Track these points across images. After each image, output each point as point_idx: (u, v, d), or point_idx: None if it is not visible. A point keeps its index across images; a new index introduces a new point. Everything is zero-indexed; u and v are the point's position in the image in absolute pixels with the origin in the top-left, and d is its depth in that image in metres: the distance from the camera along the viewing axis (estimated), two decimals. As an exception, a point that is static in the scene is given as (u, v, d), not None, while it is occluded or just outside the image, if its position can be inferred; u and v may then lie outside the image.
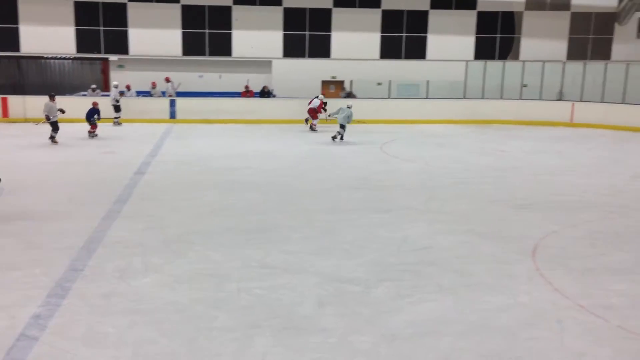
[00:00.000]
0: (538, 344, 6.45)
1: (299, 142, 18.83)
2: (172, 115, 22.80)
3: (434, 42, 26.69)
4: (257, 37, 25.78)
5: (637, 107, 21.86)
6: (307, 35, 26.18)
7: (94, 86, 23.70)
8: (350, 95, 24.73)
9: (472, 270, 8.46)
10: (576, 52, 27.42)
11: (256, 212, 11.20)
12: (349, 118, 18.91)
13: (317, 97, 21.77)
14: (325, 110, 21.37)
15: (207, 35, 25.84)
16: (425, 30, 26.63)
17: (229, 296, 7.42)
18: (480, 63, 25.38)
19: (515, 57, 27.11)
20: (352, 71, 25.53)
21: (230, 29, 25.67)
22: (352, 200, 12.17)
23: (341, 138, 19.11)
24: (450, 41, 26.71)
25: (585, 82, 23.65)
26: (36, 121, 20.32)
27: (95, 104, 19.82)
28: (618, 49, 27.45)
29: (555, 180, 14.13)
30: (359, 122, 20.49)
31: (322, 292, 7.59)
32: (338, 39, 26.21)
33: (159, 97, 23.82)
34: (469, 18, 26.81)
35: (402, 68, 25.98)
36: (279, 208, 11.51)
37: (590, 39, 27.54)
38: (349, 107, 19.13)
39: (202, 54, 25.83)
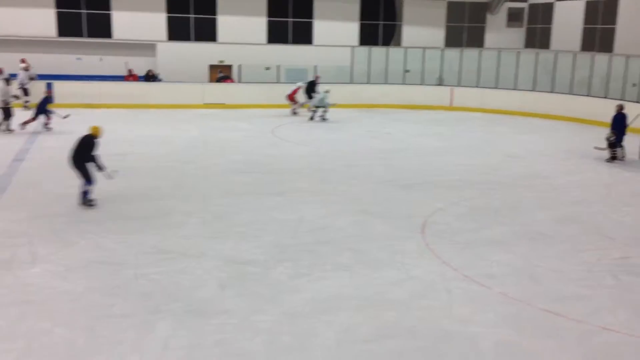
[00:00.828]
0: (429, 313, 6.85)
1: (188, 127, 18.45)
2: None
3: (320, 27, 27.01)
4: (139, 19, 24.84)
5: (508, 92, 23.47)
6: (192, 18, 25.57)
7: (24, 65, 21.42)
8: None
9: (366, 248, 8.79)
10: (453, 39, 28.87)
11: (150, 198, 10.91)
12: (322, 101, 20.41)
13: (296, 84, 22.02)
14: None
15: (84, 15, 24.52)
16: (311, 16, 26.88)
17: (126, 283, 7.23)
18: (365, 49, 26.00)
19: (398, 43, 28.07)
20: (239, 56, 25.25)
21: (109, 9, 24.54)
22: (246, 184, 12.16)
23: (322, 118, 20.50)
24: (336, 27, 27.15)
25: (462, 68, 25.02)
26: None
27: (48, 92, 18.27)
28: (490, 37, 29.21)
29: (438, 160, 14.89)
30: (334, 106, 21.06)
31: (222, 275, 7.59)
32: (225, 22, 25.81)
33: (34, 80, 22.33)
34: (353, 5, 27.37)
35: (290, 53, 26.08)
36: (173, 193, 11.28)
37: (465, 27, 29.12)
38: (326, 92, 20.60)
39: (79, 35, 24.51)
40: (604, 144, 15.17)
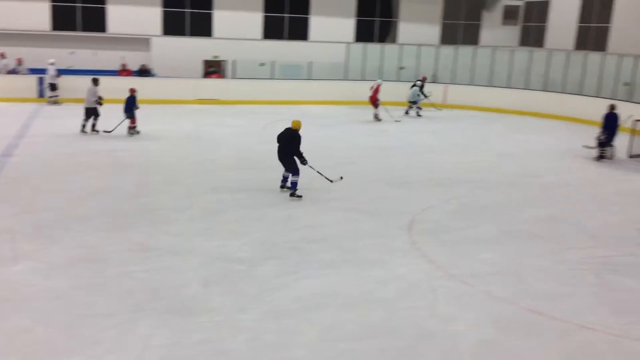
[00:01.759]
0: (414, 313, 6.89)
1: (181, 123, 18.43)
2: (41, 93, 21.42)
3: (316, 23, 26.97)
4: (134, 13, 24.77)
5: (502, 90, 23.48)
6: (187, 13, 25.51)
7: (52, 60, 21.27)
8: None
9: (353, 246, 8.82)
10: (448, 37, 28.88)
11: (138, 194, 10.91)
12: (414, 96, 21.60)
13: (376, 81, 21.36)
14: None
15: (79, 9, 24.43)
16: (307, 12, 26.84)
17: (109, 281, 7.24)
18: (360, 45, 25.99)
19: (393, 40, 28.06)
20: (234, 51, 25.20)
21: (104, 3, 24.46)
22: (237, 180, 12.17)
23: (417, 114, 21.66)
24: (332, 23, 27.12)
25: (457, 65, 25.01)
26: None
27: (133, 90, 16.38)
28: (486, 35, 29.23)
29: (432, 158, 14.92)
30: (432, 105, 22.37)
31: (208, 273, 7.61)
32: (220, 17, 25.76)
33: (25, 74, 22.26)
34: (350, 1, 27.34)
35: (285, 49, 26.05)
36: (163, 189, 11.28)
37: (461, 24, 29.11)
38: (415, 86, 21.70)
39: (74, 29, 24.44)
40: (594, 142, 15.22)
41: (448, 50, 25.55)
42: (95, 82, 16.46)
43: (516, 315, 6.87)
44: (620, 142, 15.25)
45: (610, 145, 14.98)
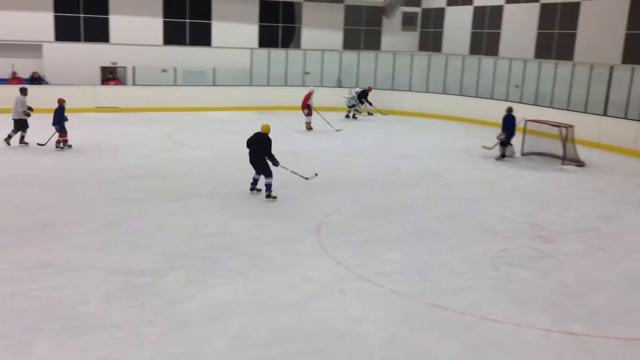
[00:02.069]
0: (324, 315, 6.92)
1: (79, 132, 17.61)
2: None
3: (219, 29, 26.66)
4: (24, 18, 23.46)
5: (403, 93, 24.17)
6: (82, 18, 24.46)
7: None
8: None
9: (262, 252, 8.75)
10: (351, 42, 29.45)
11: (35, 208, 10.30)
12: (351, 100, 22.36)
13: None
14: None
15: (-40, 14, 22.89)
16: (209, 17, 26.47)
17: (4, 301, 6.78)
18: (264, 51, 25.95)
19: (297, 45, 28.25)
20: (134, 57, 24.42)
21: (-11, 7, 23.05)
22: (140, 190, 11.78)
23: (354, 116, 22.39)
24: (235, 29, 26.90)
25: (360, 70, 25.53)
26: None
27: (62, 101, 15.28)
28: (386, 40, 30.04)
29: (337, 161, 15.08)
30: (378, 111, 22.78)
31: (109, 288, 7.29)
32: (117, 22, 24.89)
33: None
34: (252, 7, 27.24)
35: (188, 55, 25.57)
36: (61, 202, 10.71)
37: (363, 30, 29.77)
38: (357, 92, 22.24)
39: (-46, 35, 22.89)
40: (492, 142, 15.97)
41: (351, 55, 26.01)
42: (24, 92, 15.47)
43: (422, 311, 7.05)
44: (514, 141, 16.08)
45: (510, 144, 15.75)
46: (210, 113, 22.41)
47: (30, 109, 15.29)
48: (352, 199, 11.67)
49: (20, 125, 15.23)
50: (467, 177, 13.88)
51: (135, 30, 25.18)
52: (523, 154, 16.15)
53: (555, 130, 15.69)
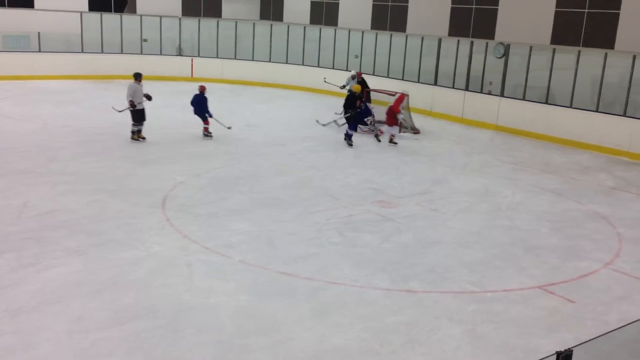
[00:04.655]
0: (170, 290, 6.73)
1: None
2: None
3: (42, -11, 24.55)
4: None
5: (246, 62, 23.94)
6: None
7: None
8: None
9: (102, 229, 8.29)
10: (190, 8, 28.52)
11: None
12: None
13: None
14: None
15: None
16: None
17: None
18: (96, 15, 24.23)
19: (132, 10, 26.78)
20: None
21: None
22: (-44, 167, 10.58)
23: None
24: (61, -9, 24.93)
25: (201, 38, 24.83)
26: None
27: (202, 88, 14.38)
28: (227, 8, 29.49)
29: (176, 133, 14.61)
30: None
31: None
32: None
33: None
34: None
35: (7, 17, 23.19)
36: None
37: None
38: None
39: None
40: (330, 113, 16.32)
41: (191, 22, 25.19)
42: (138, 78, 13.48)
43: (270, 279, 7.12)
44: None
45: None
46: (36, 82, 20.63)
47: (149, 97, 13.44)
48: (197, 170, 11.41)
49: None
50: (311, 145, 14.14)
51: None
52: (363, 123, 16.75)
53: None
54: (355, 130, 15.04)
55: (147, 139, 13.54)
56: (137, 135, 13.49)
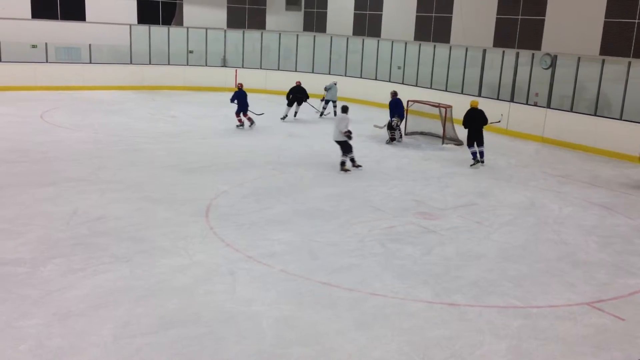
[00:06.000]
0: (213, 297, 6.81)
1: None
2: None
3: (93, 2, 25.22)
4: None
5: (289, 73, 24.12)
6: None
7: None
8: None
9: (147, 236, 8.46)
10: (235, 20, 28.97)
11: None
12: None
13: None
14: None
15: None
16: (82, -10, 25.04)
17: None
18: (144, 28, 24.88)
19: (180, 23, 27.38)
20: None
21: None
22: (11, 175, 10.96)
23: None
24: (111, 3, 25.56)
25: (245, 49, 25.18)
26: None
27: (240, 85, 17.02)
28: (271, 20, 29.84)
29: (223, 142, 14.85)
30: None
31: (-22, 280, 6.74)
32: (-21, -7, 22.91)
33: None
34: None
35: (59, 30, 23.97)
36: None
37: (246, 8, 29.35)
38: (335, 84, 19.30)
39: None
40: (382, 122, 16.27)
41: (236, 34, 25.58)
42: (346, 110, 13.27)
43: (312, 290, 7.13)
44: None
45: (398, 128, 15.87)
46: (87, 92, 21.26)
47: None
48: (240, 180, 11.54)
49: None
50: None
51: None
52: (406, 134, 16.70)
53: (435, 111, 16.36)
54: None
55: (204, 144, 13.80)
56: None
